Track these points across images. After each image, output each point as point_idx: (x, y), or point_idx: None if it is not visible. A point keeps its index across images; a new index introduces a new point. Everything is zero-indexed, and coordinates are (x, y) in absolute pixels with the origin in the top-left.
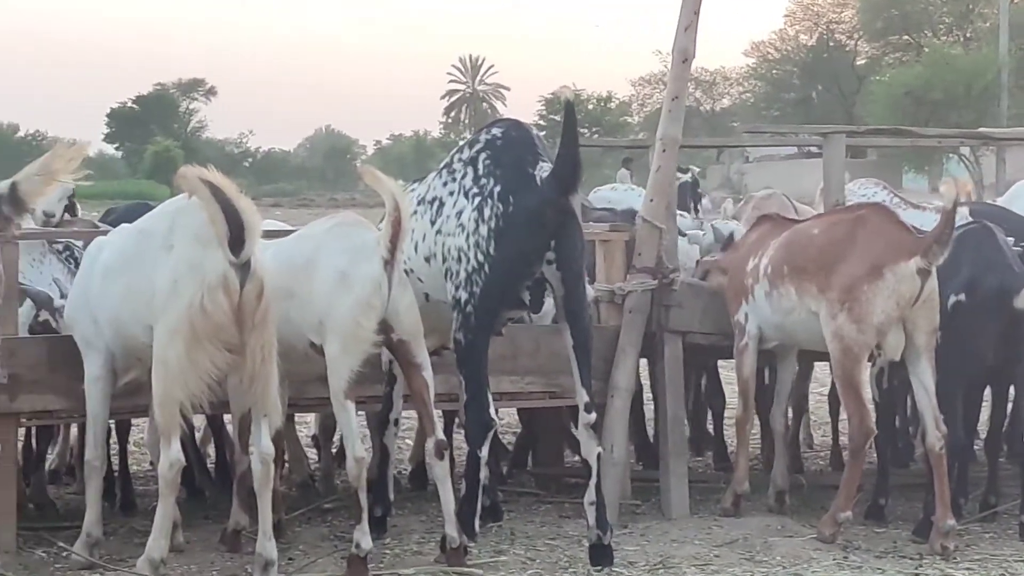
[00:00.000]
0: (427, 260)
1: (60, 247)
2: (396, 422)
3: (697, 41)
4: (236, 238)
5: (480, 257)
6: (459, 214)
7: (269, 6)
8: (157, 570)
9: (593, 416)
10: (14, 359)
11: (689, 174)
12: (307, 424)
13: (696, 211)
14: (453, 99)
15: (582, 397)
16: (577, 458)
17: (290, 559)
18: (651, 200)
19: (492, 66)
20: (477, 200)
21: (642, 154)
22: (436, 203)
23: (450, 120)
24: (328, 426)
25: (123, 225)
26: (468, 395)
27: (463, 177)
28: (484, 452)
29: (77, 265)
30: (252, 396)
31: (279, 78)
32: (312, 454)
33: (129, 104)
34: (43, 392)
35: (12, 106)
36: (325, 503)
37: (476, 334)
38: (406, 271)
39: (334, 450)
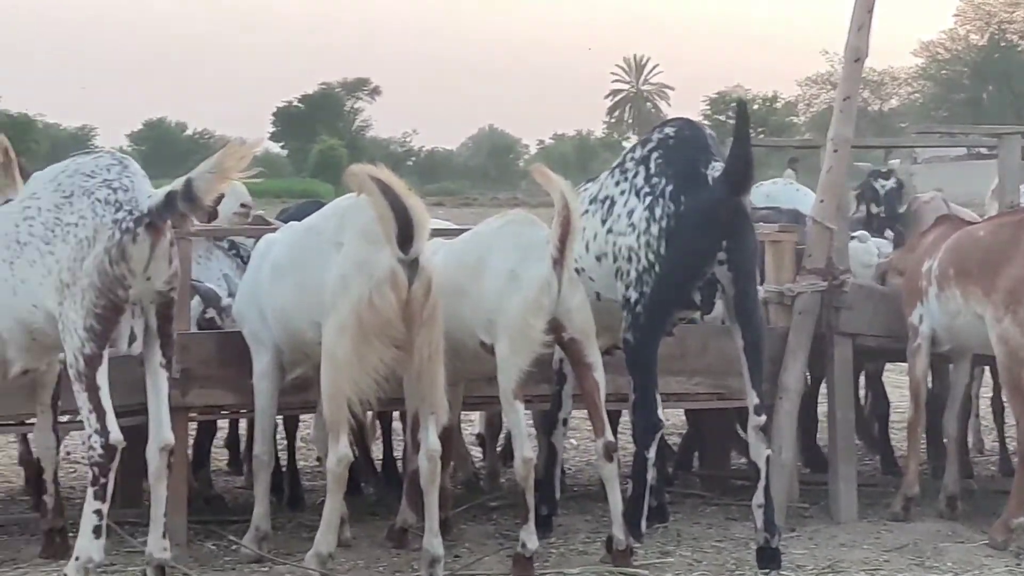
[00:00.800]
0: (598, 259)
1: (226, 244)
2: (565, 422)
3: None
4: (405, 235)
5: (651, 256)
6: (630, 213)
7: (433, 5)
8: (325, 564)
9: (763, 418)
10: (186, 354)
11: (893, 179)
12: (471, 422)
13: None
14: (617, 99)
15: (752, 399)
16: (743, 460)
17: (456, 556)
18: (821, 201)
19: (657, 65)
20: (648, 199)
21: (808, 154)
22: (607, 202)
23: (613, 120)
24: (494, 424)
25: (292, 223)
26: (637, 396)
27: (635, 176)
28: (652, 453)
29: (243, 261)
30: (419, 393)
31: (443, 77)
32: (476, 452)
33: (295, 103)
34: (213, 387)
35: (180, 105)
36: (491, 501)
37: (646, 334)
38: (577, 270)
39: (499, 448)
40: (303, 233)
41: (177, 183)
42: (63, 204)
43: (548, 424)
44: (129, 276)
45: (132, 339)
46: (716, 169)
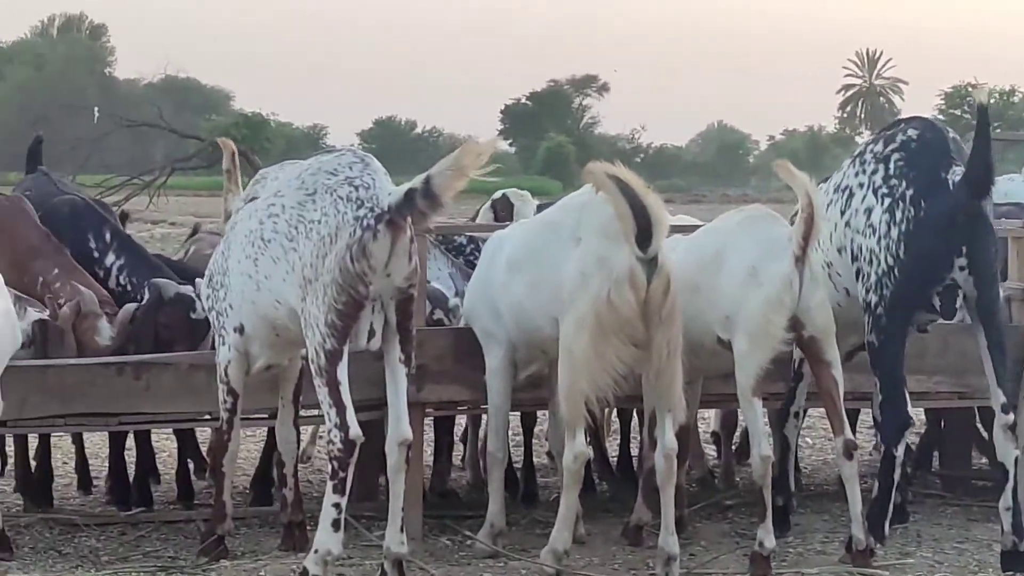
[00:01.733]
0: (839, 251)
1: (464, 240)
2: (797, 415)
3: None
4: (643, 233)
5: (890, 260)
6: (868, 212)
7: (660, 1)
8: (560, 561)
9: (1011, 417)
10: (421, 351)
11: None
12: (705, 420)
13: None
14: (849, 93)
15: (998, 398)
16: (983, 459)
17: (691, 555)
18: None
19: (890, 59)
20: (887, 201)
21: None
22: (847, 192)
23: (845, 115)
24: (729, 422)
25: (524, 220)
26: (883, 395)
27: (873, 173)
28: (900, 452)
29: (467, 261)
30: (657, 391)
31: (671, 74)
32: (710, 451)
33: (523, 101)
34: (448, 383)
35: (410, 103)
36: (726, 499)
37: (889, 337)
38: (825, 264)
39: (733, 446)
40: (539, 228)
41: (417, 180)
42: (306, 201)
43: (780, 417)
44: (370, 272)
45: (371, 335)
46: (957, 174)
